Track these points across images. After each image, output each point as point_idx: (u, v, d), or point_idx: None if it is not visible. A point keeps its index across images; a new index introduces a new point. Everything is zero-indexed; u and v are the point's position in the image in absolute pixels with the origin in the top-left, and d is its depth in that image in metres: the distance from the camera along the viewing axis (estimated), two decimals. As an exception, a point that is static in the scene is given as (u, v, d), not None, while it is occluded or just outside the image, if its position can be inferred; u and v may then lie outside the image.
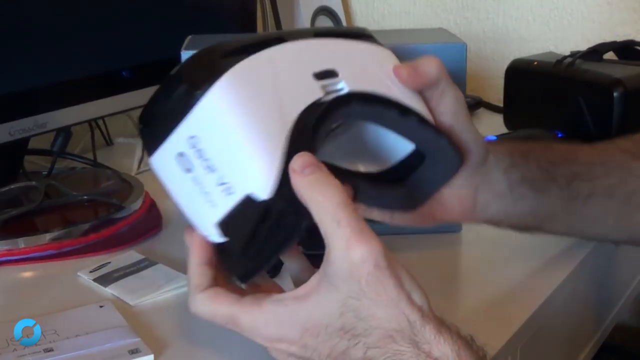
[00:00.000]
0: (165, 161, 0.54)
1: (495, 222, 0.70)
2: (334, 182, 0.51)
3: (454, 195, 0.66)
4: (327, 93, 0.55)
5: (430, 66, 0.61)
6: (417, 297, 0.52)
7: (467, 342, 0.53)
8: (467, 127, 0.64)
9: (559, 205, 0.69)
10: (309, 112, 0.53)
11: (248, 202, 0.51)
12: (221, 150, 0.52)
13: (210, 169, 0.52)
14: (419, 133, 0.60)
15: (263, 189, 0.51)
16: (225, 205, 0.52)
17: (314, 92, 0.55)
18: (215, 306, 0.55)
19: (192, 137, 0.52)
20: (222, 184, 0.52)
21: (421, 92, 0.62)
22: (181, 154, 0.53)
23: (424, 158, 0.62)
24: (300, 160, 0.51)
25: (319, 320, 0.52)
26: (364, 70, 0.59)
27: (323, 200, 0.50)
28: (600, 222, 0.72)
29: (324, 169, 0.51)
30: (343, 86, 0.56)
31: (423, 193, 0.64)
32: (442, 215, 0.67)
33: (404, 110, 0.59)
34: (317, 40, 0.59)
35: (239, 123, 0.51)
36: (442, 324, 0.53)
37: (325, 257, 0.51)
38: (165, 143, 0.54)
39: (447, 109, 0.62)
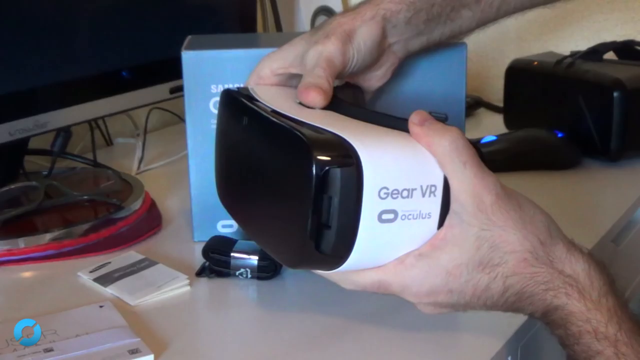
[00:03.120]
0: (371, 238, 0.55)
1: (417, 54, 0.75)
2: (455, 128, 0.56)
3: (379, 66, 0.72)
4: None
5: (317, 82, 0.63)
6: (541, 218, 0.57)
7: (598, 263, 0.57)
8: (375, 61, 0.70)
9: (474, 22, 0.73)
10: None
11: (446, 190, 0.56)
12: (403, 172, 0.55)
13: (409, 192, 0.55)
14: None
15: (439, 172, 0.56)
16: (436, 206, 0.56)
17: None
18: (364, 279, 0.58)
19: (381, 190, 0.54)
20: (424, 193, 0.55)
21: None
22: (381, 213, 0.54)
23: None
24: (420, 115, 0.56)
25: (459, 260, 0.56)
26: None
27: (449, 144, 0.55)
28: (515, 12, 0.77)
29: (436, 121, 0.56)
30: None
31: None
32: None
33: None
34: None
35: (397, 147, 0.55)
36: (572, 244, 0.57)
37: (451, 198, 0.56)
38: (360, 226, 0.54)
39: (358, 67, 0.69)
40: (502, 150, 1.09)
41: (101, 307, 0.69)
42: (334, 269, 0.57)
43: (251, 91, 0.65)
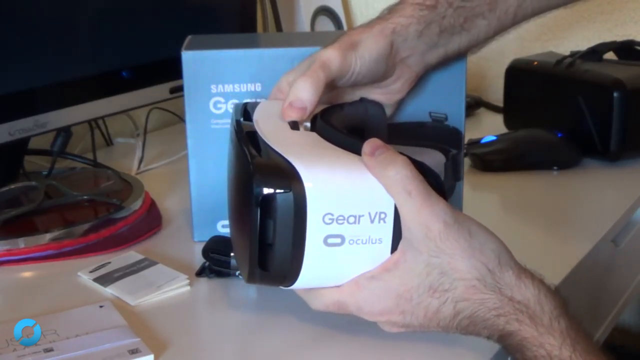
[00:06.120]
0: (318, 260, 0.57)
1: (437, 66, 0.75)
2: (402, 158, 0.57)
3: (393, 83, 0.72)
4: None
5: (302, 93, 0.63)
6: (491, 247, 0.58)
7: (549, 289, 0.58)
8: (384, 77, 0.70)
9: (491, 30, 0.74)
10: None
11: (397, 216, 0.57)
12: (349, 199, 0.56)
13: (356, 218, 0.56)
14: None
15: (389, 200, 0.57)
16: (387, 232, 0.57)
17: None
18: (325, 298, 0.61)
19: (325, 216, 0.56)
20: (373, 219, 0.57)
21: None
22: (326, 237, 0.56)
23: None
24: (371, 144, 0.58)
25: (409, 284, 0.58)
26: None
27: (394, 175, 0.56)
28: (533, 16, 0.76)
29: (391, 148, 0.57)
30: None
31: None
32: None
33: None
34: None
35: (347, 175, 0.57)
36: (523, 271, 0.58)
37: (402, 226, 0.57)
38: (306, 249, 0.56)
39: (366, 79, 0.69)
40: (502, 150, 1.09)
41: (101, 307, 0.69)
42: (285, 286, 0.60)
43: (256, 107, 0.66)
